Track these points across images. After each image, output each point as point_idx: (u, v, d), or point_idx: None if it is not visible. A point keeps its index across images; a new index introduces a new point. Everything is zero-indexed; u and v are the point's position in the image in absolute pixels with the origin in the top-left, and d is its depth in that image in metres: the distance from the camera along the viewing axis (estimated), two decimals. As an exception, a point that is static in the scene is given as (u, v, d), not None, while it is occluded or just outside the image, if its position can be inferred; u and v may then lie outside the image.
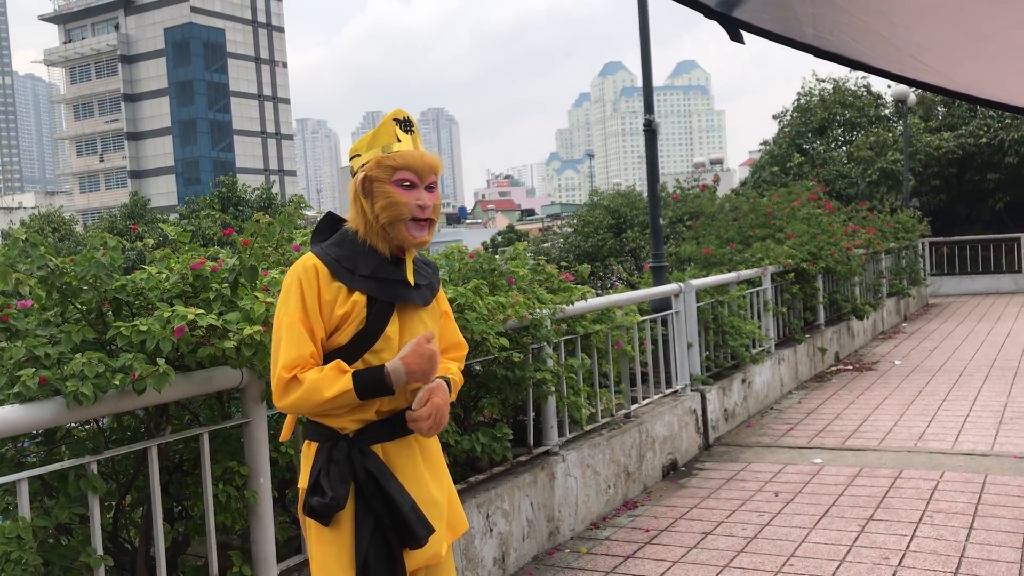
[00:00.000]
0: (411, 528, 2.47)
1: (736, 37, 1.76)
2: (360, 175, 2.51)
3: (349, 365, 2.47)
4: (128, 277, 3.13)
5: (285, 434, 2.73)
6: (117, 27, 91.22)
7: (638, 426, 6.19)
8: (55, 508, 2.85)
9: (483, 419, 5.23)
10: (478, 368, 4.78)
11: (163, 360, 2.82)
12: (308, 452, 2.59)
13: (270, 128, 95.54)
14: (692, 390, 7.20)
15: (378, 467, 2.50)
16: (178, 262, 3.27)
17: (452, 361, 2.76)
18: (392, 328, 2.51)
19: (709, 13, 1.71)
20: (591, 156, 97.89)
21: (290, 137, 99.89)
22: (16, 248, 2.92)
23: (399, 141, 2.52)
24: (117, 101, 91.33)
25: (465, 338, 4.28)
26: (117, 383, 2.75)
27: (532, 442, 5.16)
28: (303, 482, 2.59)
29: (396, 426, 2.55)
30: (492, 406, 5.13)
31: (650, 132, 7.94)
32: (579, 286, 5.55)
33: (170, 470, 3.49)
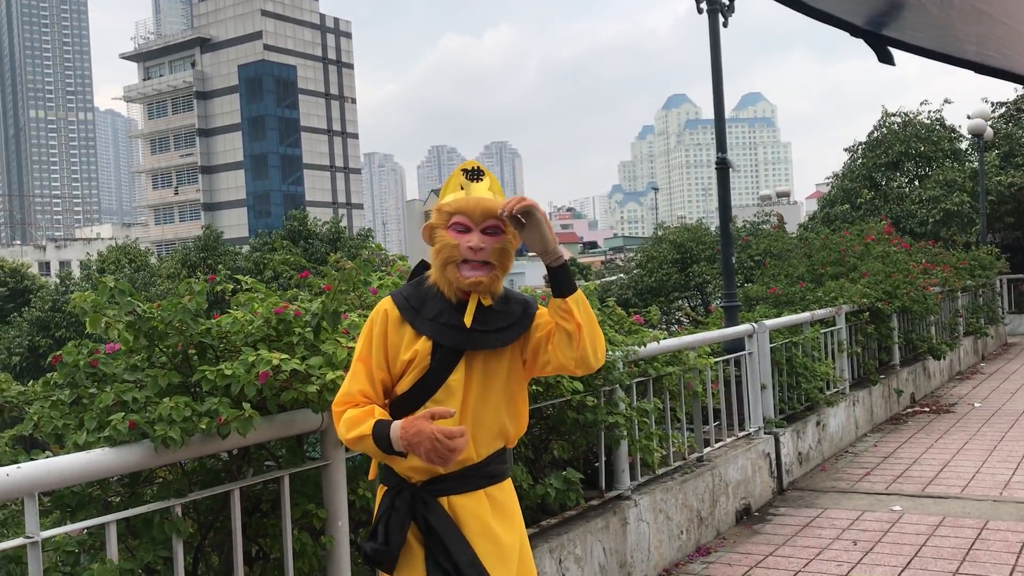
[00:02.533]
0: None
1: (885, 58, 1.71)
2: (426, 225, 2.59)
3: (414, 411, 2.49)
4: (213, 321, 3.19)
5: (371, 474, 2.76)
6: (193, 64, 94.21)
7: (711, 470, 6.08)
8: (140, 550, 2.90)
9: (552, 459, 5.19)
10: (549, 411, 4.75)
11: (248, 405, 2.86)
12: (379, 497, 2.62)
13: (339, 162, 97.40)
14: (765, 433, 7.06)
15: (440, 520, 2.50)
16: (262, 306, 3.32)
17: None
18: (456, 378, 2.51)
19: (856, 32, 1.67)
20: (656, 189, 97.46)
21: (358, 171, 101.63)
22: (105, 294, 3.00)
23: (462, 189, 2.57)
24: (192, 136, 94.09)
25: (538, 380, 4.28)
26: (203, 427, 2.80)
27: (604, 486, 5.10)
28: None
29: (466, 480, 2.54)
30: (562, 448, 5.08)
31: (723, 169, 7.87)
32: (649, 329, 5.50)
33: (248, 511, 3.52)
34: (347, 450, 3.46)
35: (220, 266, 34.48)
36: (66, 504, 3.04)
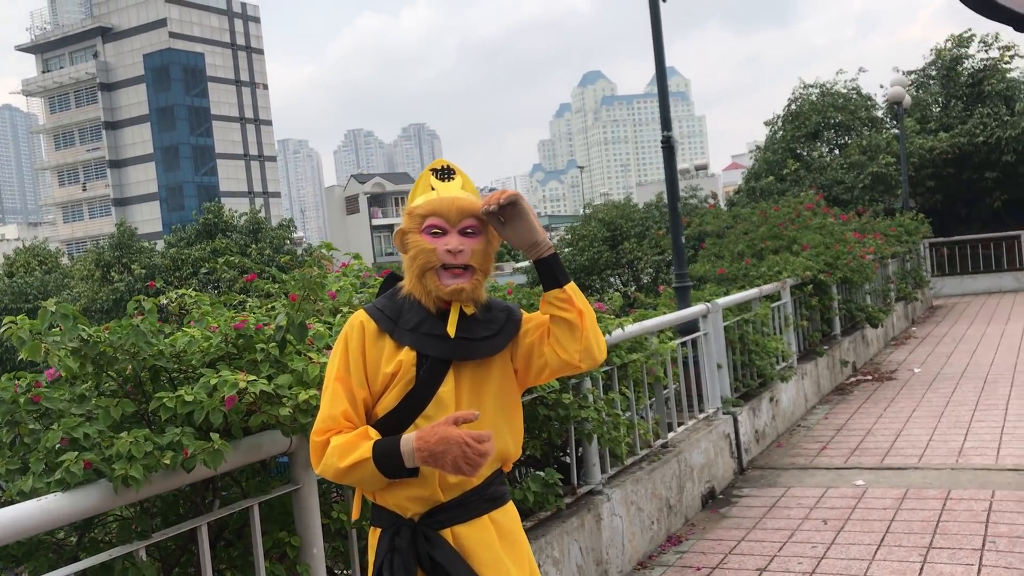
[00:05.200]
0: None
1: None
2: (397, 231, 2.37)
3: (400, 432, 2.25)
4: (167, 340, 2.89)
5: (354, 513, 2.51)
6: (96, 55, 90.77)
7: (676, 456, 5.97)
8: (101, 601, 2.61)
9: (522, 457, 5.00)
10: (519, 408, 4.55)
11: (216, 435, 2.59)
12: (373, 540, 2.38)
13: (253, 150, 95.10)
14: (724, 413, 6.98)
15: (447, 555, 2.27)
16: (218, 321, 3.03)
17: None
18: (446, 389, 2.29)
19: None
20: (581, 168, 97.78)
21: (273, 159, 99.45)
22: (46, 319, 2.67)
23: (433, 190, 2.35)
24: (98, 129, 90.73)
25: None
26: (167, 462, 2.51)
27: (576, 482, 4.92)
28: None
29: (468, 507, 2.32)
30: (534, 446, 4.89)
31: (668, 149, 7.74)
32: (615, 317, 5.33)
33: (211, 542, 3.24)
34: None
35: (135, 265, 33.29)
36: (11, 554, 2.73)
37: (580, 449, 5.06)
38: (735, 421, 7.04)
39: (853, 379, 10.49)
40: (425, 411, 2.28)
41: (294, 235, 40.81)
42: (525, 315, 2.45)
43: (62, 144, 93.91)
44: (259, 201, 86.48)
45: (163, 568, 3.08)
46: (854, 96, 23.90)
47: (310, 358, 2.87)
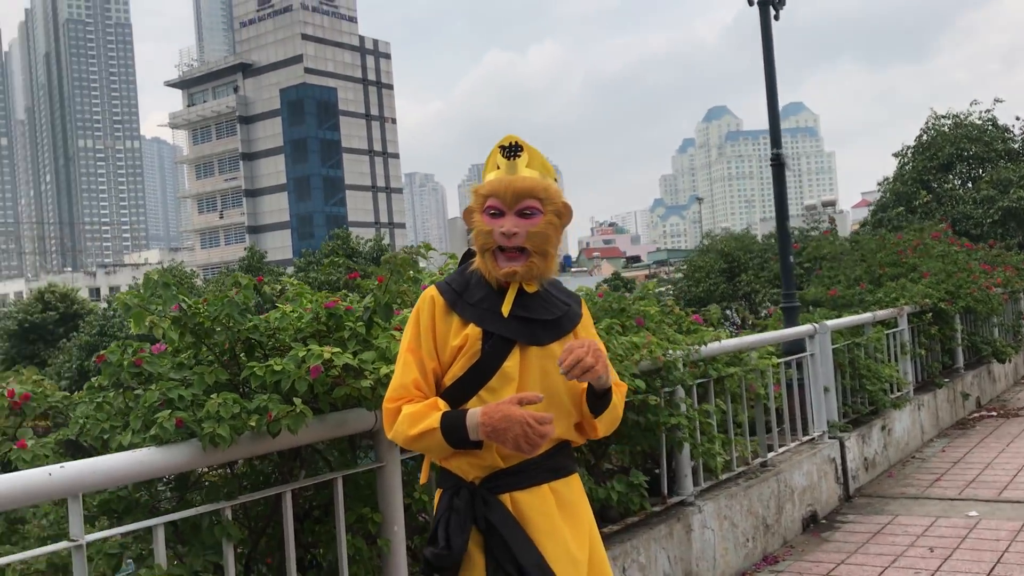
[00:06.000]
0: None
1: None
2: (465, 209, 2.46)
3: (465, 401, 2.34)
4: (261, 317, 3.06)
5: (423, 478, 2.59)
6: (236, 90, 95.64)
7: (775, 475, 5.83)
8: (189, 555, 2.77)
9: (611, 466, 4.99)
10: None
11: (299, 400, 2.72)
12: (436, 499, 2.46)
13: (380, 182, 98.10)
14: (830, 437, 6.78)
15: (502, 518, 2.32)
16: (312, 301, 3.19)
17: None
18: (511, 364, 2.35)
19: None
20: (700, 200, 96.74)
21: (399, 191, 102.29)
22: (150, 288, 2.88)
23: (498, 168, 2.42)
24: (236, 160, 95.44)
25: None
26: (253, 424, 2.66)
27: (667, 492, 4.88)
28: None
29: (528, 475, 2.37)
30: (621, 453, 4.88)
31: (778, 166, 7.63)
32: (710, 328, 5.29)
33: (300, 517, 3.38)
34: (402, 451, 3.31)
35: (265, 287, 34.70)
36: (112, 509, 2.92)
37: (672, 461, 5.02)
38: (842, 446, 6.83)
39: (976, 414, 9.99)
40: (489, 383, 2.35)
41: (421, 263, 41.67)
42: (584, 317, 2.52)
43: (202, 174, 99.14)
44: (384, 231, 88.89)
45: (251, 536, 3.23)
46: (989, 127, 22.93)
47: (393, 335, 2.98)
